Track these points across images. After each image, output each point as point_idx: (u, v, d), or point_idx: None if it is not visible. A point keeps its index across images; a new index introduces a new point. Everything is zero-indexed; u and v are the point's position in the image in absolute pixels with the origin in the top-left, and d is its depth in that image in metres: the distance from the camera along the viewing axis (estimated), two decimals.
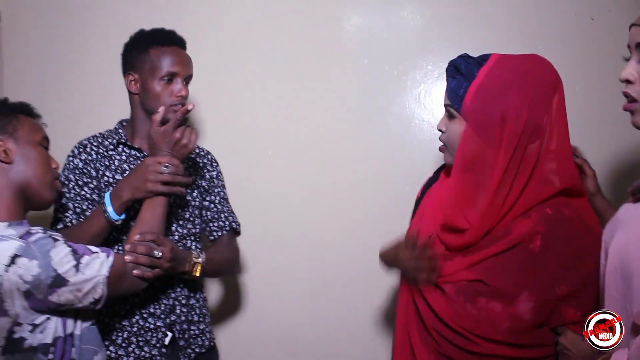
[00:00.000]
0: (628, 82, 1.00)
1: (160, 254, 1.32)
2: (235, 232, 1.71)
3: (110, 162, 1.56)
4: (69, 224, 1.48)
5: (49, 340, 1.14)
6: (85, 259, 1.15)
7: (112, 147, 1.57)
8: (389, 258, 1.37)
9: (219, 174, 1.72)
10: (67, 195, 1.50)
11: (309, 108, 2.06)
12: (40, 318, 1.13)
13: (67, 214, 1.49)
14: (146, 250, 1.31)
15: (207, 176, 1.68)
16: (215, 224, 1.67)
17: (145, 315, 1.53)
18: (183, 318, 1.57)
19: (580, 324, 1.09)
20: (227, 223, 1.68)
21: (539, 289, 1.13)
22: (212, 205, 1.67)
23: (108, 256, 1.21)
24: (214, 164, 1.72)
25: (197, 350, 1.60)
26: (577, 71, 1.86)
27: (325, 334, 2.07)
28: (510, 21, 1.94)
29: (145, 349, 1.52)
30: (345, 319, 2.05)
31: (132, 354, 1.51)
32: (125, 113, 1.64)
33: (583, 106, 1.82)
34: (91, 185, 1.52)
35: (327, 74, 2.05)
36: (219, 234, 1.67)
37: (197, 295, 1.64)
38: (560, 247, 1.14)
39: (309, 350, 2.08)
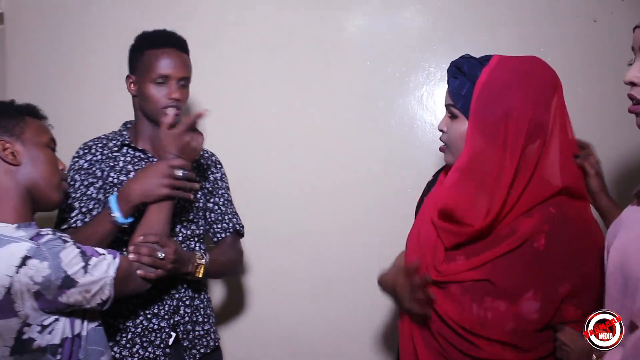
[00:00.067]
0: (633, 84, 1.00)
1: (163, 255, 1.32)
2: (239, 233, 1.72)
3: (115, 163, 1.56)
4: (74, 225, 1.48)
5: (57, 341, 1.15)
6: (93, 261, 1.16)
7: (116, 148, 1.58)
8: (386, 286, 1.38)
9: (223, 176, 1.73)
10: (73, 195, 1.50)
11: (311, 109, 2.06)
12: (50, 319, 1.13)
13: (72, 214, 1.49)
14: (149, 252, 1.31)
15: (211, 178, 1.68)
16: (219, 226, 1.67)
17: (149, 316, 1.53)
18: (187, 319, 1.58)
19: (580, 323, 1.09)
20: (230, 225, 1.68)
21: (544, 288, 1.13)
22: (216, 207, 1.68)
23: (115, 258, 1.21)
24: (218, 166, 1.72)
25: (202, 350, 1.61)
26: (579, 73, 1.87)
27: (328, 334, 2.07)
28: (512, 23, 1.95)
29: (149, 349, 1.52)
30: (348, 319, 2.06)
31: (136, 355, 1.51)
32: (128, 114, 1.64)
33: (585, 107, 1.83)
34: (97, 185, 1.53)
35: (330, 75, 2.05)
36: (223, 235, 1.67)
37: (202, 296, 1.64)
38: (564, 246, 1.14)
39: (312, 350, 2.09)
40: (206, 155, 1.72)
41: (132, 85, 1.57)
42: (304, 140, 2.07)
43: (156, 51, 1.52)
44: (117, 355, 1.50)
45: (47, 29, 2.20)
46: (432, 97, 2.00)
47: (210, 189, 1.68)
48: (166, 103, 1.51)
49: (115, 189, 1.52)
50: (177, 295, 1.57)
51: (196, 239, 1.62)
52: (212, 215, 1.67)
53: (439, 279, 1.21)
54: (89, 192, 1.52)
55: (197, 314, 1.61)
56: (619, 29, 1.78)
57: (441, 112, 1.33)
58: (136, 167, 1.56)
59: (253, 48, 2.08)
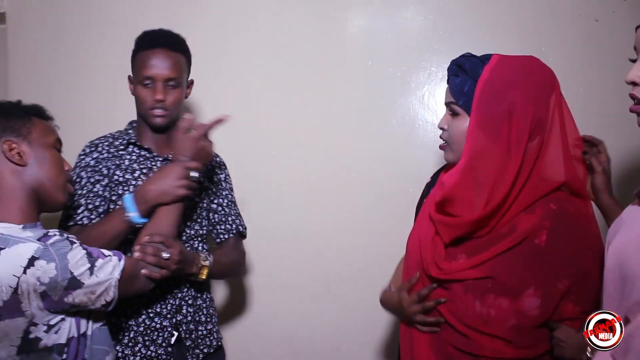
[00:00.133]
0: (634, 84, 1.01)
1: (168, 255, 1.33)
2: (242, 235, 1.73)
3: (121, 161, 1.57)
4: (81, 222, 1.48)
5: (63, 340, 1.15)
6: (99, 262, 1.16)
7: (122, 147, 1.59)
8: (389, 304, 1.39)
9: (227, 177, 1.74)
10: (79, 192, 1.50)
11: (312, 110, 2.07)
12: (56, 318, 1.14)
13: (79, 211, 1.49)
14: (154, 252, 1.32)
15: (215, 179, 1.69)
16: (223, 227, 1.68)
17: (151, 315, 1.54)
18: (189, 318, 1.58)
19: (578, 320, 1.12)
20: (234, 226, 1.69)
21: (544, 284, 1.14)
22: (220, 208, 1.68)
23: (120, 260, 1.22)
24: (223, 167, 1.73)
25: (205, 350, 1.61)
26: (580, 73, 1.87)
27: (328, 334, 2.08)
28: (514, 23, 1.95)
29: (152, 348, 1.53)
30: (348, 319, 2.06)
31: (139, 354, 1.51)
32: (131, 114, 1.65)
33: (587, 107, 1.83)
34: (103, 183, 1.53)
35: (331, 75, 2.05)
36: (226, 236, 1.68)
37: (204, 296, 1.65)
38: (565, 242, 1.15)
39: (313, 349, 2.09)
40: None
41: (130, 85, 1.60)
42: (305, 140, 2.07)
43: (146, 52, 1.53)
44: (120, 354, 1.51)
45: (49, 28, 2.21)
46: (434, 97, 2.00)
47: (214, 189, 1.68)
48: (152, 105, 1.52)
49: (121, 187, 1.53)
50: (179, 295, 1.57)
51: (199, 239, 1.63)
52: (216, 216, 1.68)
53: (441, 277, 1.21)
54: (95, 189, 1.52)
55: (200, 313, 1.62)
56: (621, 29, 1.79)
57: (442, 111, 1.33)
58: (141, 166, 1.57)
59: (254, 48, 2.08)
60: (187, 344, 1.58)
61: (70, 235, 1.16)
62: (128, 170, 1.56)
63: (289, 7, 2.07)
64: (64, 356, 1.16)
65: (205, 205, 1.66)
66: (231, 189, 1.74)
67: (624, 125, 1.52)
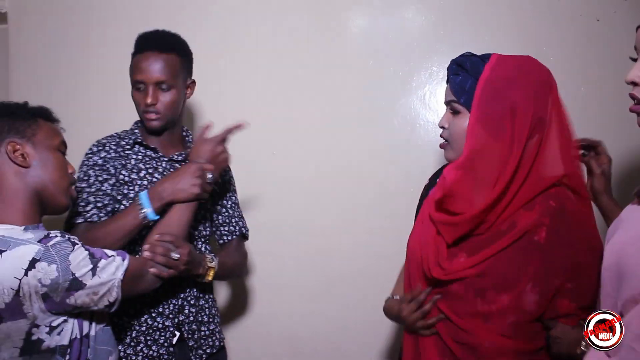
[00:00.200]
0: (634, 84, 1.01)
1: (178, 255, 1.34)
2: (244, 237, 1.73)
3: (127, 161, 1.57)
4: (90, 219, 1.48)
5: (65, 341, 1.15)
6: (102, 263, 1.16)
7: (128, 146, 1.59)
8: (391, 314, 1.40)
9: (231, 179, 1.75)
10: (88, 190, 1.51)
11: (313, 110, 2.07)
12: (58, 320, 1.14)
13: (88, 209, 1.49)
14: (164, 251, 1.32)
15: (220, 180, 1.69)
16: (226, 228, 1.69)
17: (154, 315, 1.54)
18: (192, 318, 1.59)
19: (574, 316, 1.14)
20: (237, 228, 1.70)
21: (543, 281, 1.15)
22: (224, 210, 1.69)
23: (123, 260, 1.21)
24: (227, 169, 1.73)
25: (208, 351, 1.62)
26: (582, 72, 1.88)
27: (329, 334, 2.08)
28: (515, 22, 1.95)
29: (153, 348, 1.53)
30: (349, 319, 2.07)
31: (140, 353, 1.52)
32: (132, 115, 1.64)
33: (588, 107, 1.83)
34: (110, 182, 1.54)
35: (332, 75, 2.06)
36: (229, 238, 1.69)
37: (207, 296, 1.65)
38: (564, 239, 1.16)
39: (314, 349, 2.09)
40: None
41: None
42: (306, 140, 2.07)
43: (137, 56, 1.54)
44: (122, 354, 1.51)
45: (50, 28, 2.21)
46: (435, 97, 2.00)
47: (218, 191, 1.69)
48: (144, 108, 1.53)
49: (126, 187, 1.53)
50: (182, 295, 1.58)
51: (202, 240, 1.64)
52: (220, 217, 1.69)
53: (444, 277, 1.22)
54: (103, 188, 1.52)
55: (202, 314, 1.62)
56: (622, 29, 1.78)
57: (444, 111, 1.33)
58: (147, 166, 1.58)
59: (255, 49, 2.08)
60: (190, 344, 1.58)
61: (72, 237, 1.16)
62: (134, 170, 1.56)
63: (290, 8, 2.07)
64: (67, 357, 1.16)
65: (209, 206, 1.66)
66: (235, 191, 1.75)
67: (625, 125, 1.52)
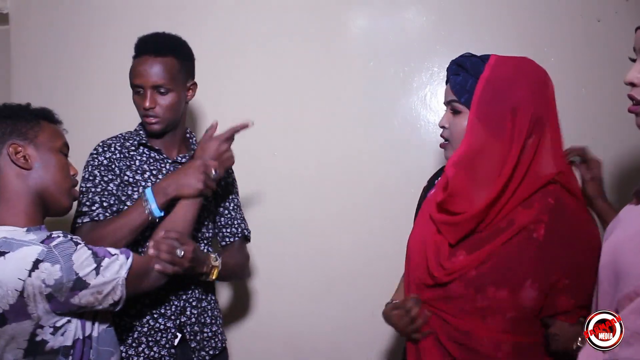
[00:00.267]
0: (633, 84, 1.01)
1: (182, 253, 1.34)
2: (246, 238, 1.74)
3: (132, 162, 1.58)
4: (97, 218, 1.48)
5: (69, 342, 1.16)
6: (105, 262, 1.16)
7: (133, 148, 1.60)
8: (388, 323, 1.39)
9: (234, 181, 1.75)
10: (93, 190, 1.51)
11: (314, 110, 2.07)
12: (62, 320, 1.14)
13: (94, 207, 1.49)
14: (169, 249, 1.32)
15: (222, 182, 1.70)
16: (228, 230, 1.69)
17: (155, 316, 1.54)
18: (194, 320, 1.59)
19: (572, 313, 1.15)
20: (239, 230, 1.70)
21: (541, 277, 1.15)
22: (226, 212, 1.70)
23: (127, 258, 1.21)
24: (230, 171, 1.73)
25: (210, 352, 1.62)
26: (583, 73, 1.88)
27: (331, 334, 2.09)
28: (516, 23, 1.95)
29: (155, 349, 1.53)
30: (350, 319, 2.07)
31: (142, 354, 1.52)
32: (134, 116, 1.64)
33: (588, 107, 1.84)
34: (116, 182, 1.54)
35: (333, 76, 2.06)
36: (231, 239, 1.69)
37: (209, 298, 1.66)
38: (562, 236, 1.16)
39: (315, 349, 2.10)
40: None
41: None
42: (307, 141, 2.07)
43: (135, 60, 1.55)
44: (123, 354, 1.51)
45: (52, 29, 2.21)
46: (436, 97, 2.01)
47: (221, 193, 1.69)
48: (143, 112, 1.54)
49: (130, 188, 1.54)
50: (184, 297, 1.58)
51: (205, 242, 1.64)
52: (222, 219, 1.69)
53: (446, 279, 1.22)
54: (109, 188, 1.53)
55: (205, 315, 1.63)
56: (623, 29, 1.77)
57: (444, 112, 1.33)
58: (151, 167, 1.58)
59: (256, 49, 2.08)
60: (193, 345, 1.58)
61: (74, 237, 1.17)
62: (138, 171, 1.57)
63: (290, 8, 2.07)
64: (70, 358, 1.16)
65: (212, 208, 1.67)
66: (237, 193, 1.75)
67: (626, 126, 1.52)
